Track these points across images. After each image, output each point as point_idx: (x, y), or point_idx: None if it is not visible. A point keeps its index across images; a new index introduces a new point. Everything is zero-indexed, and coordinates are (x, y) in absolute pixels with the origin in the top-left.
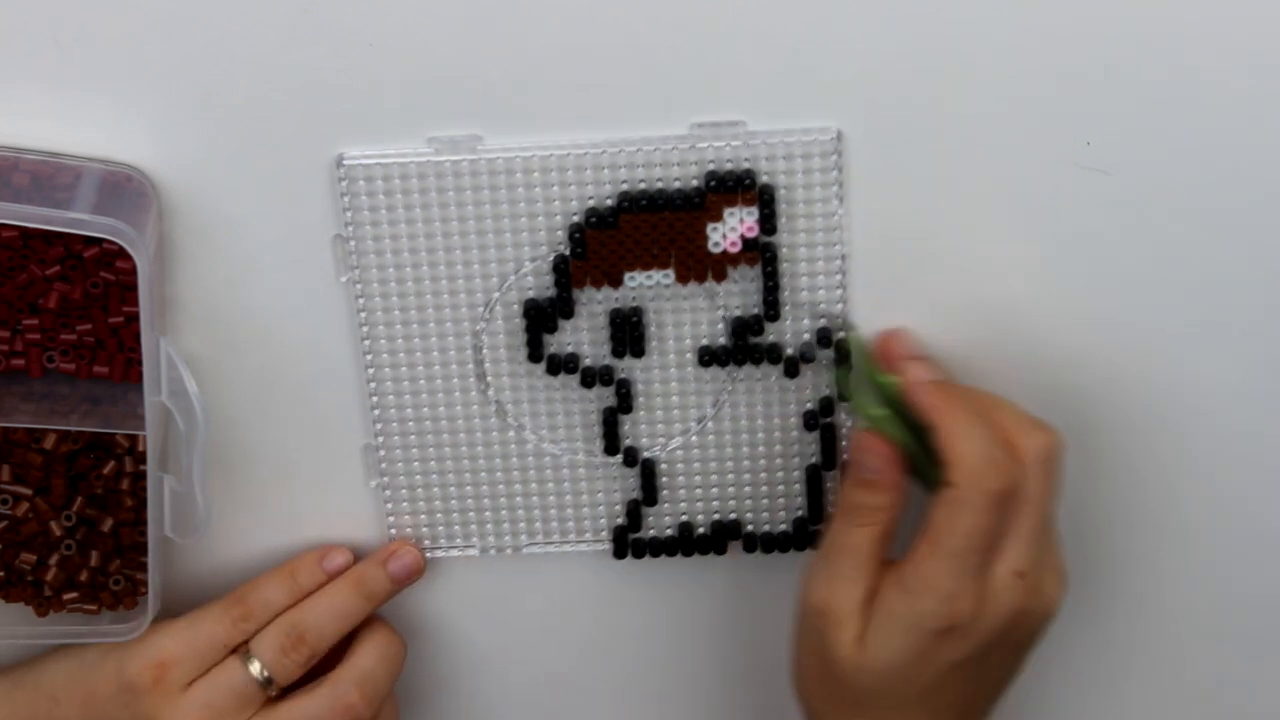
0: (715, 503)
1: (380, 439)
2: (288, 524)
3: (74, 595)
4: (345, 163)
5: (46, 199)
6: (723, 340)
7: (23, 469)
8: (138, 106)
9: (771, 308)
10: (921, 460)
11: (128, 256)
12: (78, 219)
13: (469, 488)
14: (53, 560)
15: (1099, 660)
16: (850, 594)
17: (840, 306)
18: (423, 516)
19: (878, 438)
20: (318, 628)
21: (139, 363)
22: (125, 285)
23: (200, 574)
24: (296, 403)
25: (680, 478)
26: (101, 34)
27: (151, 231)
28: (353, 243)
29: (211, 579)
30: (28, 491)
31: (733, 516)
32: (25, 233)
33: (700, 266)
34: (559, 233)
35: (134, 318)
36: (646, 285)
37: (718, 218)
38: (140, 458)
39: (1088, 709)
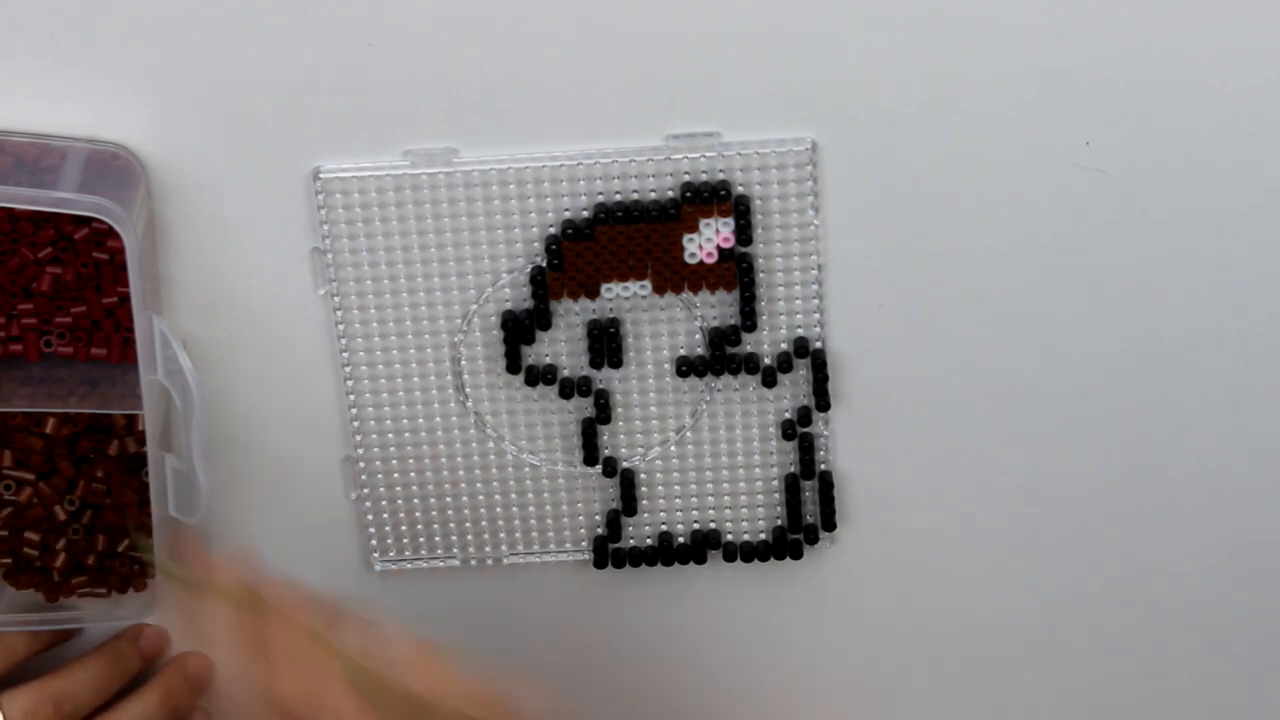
0: (694, 512)
1: (360, 451)
2: (276, 529)
3: (83, 579)
4: (322, 175)
5: (33, 180)
6: (700, 351)
7: (24, 454)
8: (126, 85)
9: (748, 318)
10: None
11: (118, 236)
12: (63, 198)
13: (449, 499)
14: (59, 545)
15: (1096, 659)
16: None
17: (817, 315)
18: (403, 528)
19: None
20: (74, 696)
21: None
22: (118, 265)
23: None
24: (276, 415)
25: (659, 488)
26: (90, 15)
27: (140, 209)
28: (330, 255)
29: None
30: (30, 476)
31: (712, 526)
32: (14, 216)
33: (677, 277)
34: (535, 245)
35: (129, 297)
36: (624, 296)
37: (694, 229)
38: (140, 438)
39: (1087, 706)
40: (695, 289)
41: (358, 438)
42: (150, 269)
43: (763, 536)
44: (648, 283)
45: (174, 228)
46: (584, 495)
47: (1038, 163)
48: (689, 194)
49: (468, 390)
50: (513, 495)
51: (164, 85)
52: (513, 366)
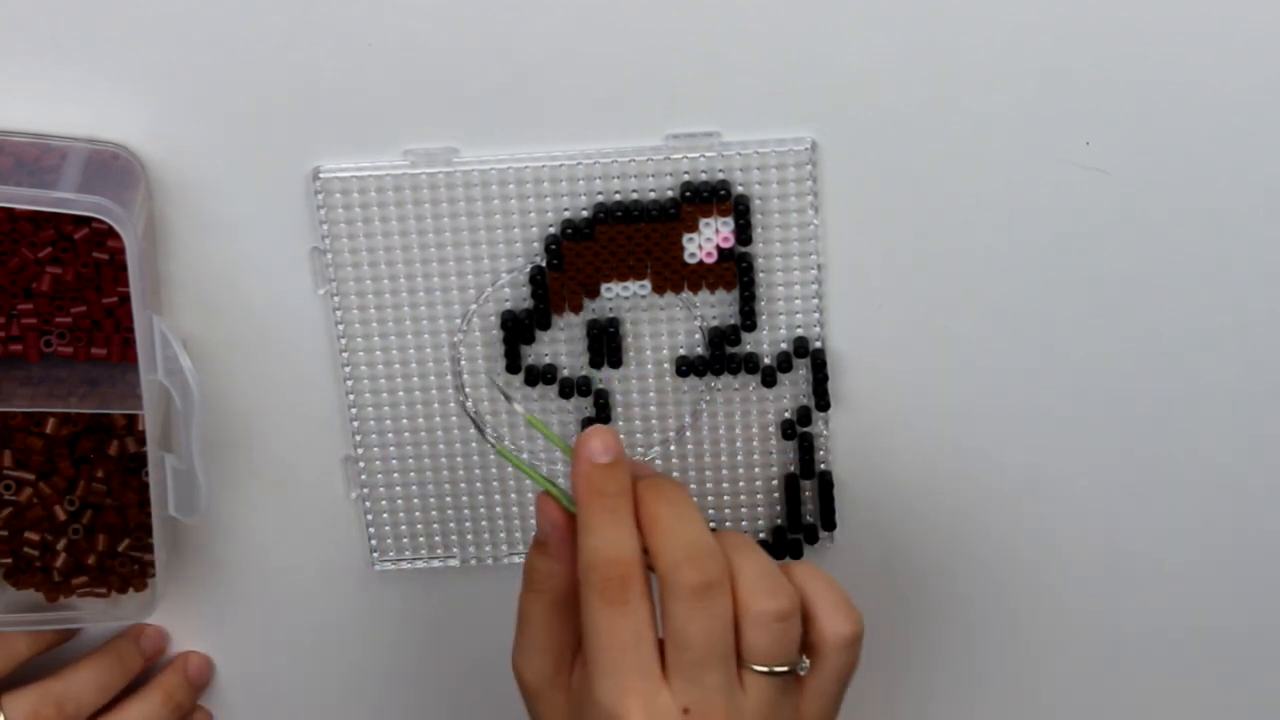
0: None
1: (360, 450)
2: (276, 529)
3: (83, 579)
4: (322, 175)
5: (33, 180)
6: (700, 350)
7: (24, 454)
8: (126, 85)
9: (748, 318)
10: None
11: (118, 236)
12: (63, 198)
13: (449, 499)
14: (59, 545)
15: (1095, 658)
16: (539, 666)
17: (817, 315)
18: (403, 528)
19: (552, 504)
20: (77, 697)
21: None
22: (118, 265)
23: (206, 556)
24: (276, 415)
25: None
26: (90, 15)
27: (140, 209)
28: (330, 255)
29: (216, 560)
30: (30, 476)
31: (711, 525)
32: (14, 216)
33: (676, 277)
34: (535, 245)
35: (129, 297)
36: (623, 296)
37: (693, 229)
38: (140, 438)
39: (1087, 705)
40: (695, 289)
41: (358, 438)
42: (150, 269)
43: (762, 536)
44: (647, 282)
45: (174, 228)
46: None
47: (1038, 163)
48: (689, 194)
49: (467, 390)
50: (512, 495)
51: (164, 85)
52: (512, 366)
